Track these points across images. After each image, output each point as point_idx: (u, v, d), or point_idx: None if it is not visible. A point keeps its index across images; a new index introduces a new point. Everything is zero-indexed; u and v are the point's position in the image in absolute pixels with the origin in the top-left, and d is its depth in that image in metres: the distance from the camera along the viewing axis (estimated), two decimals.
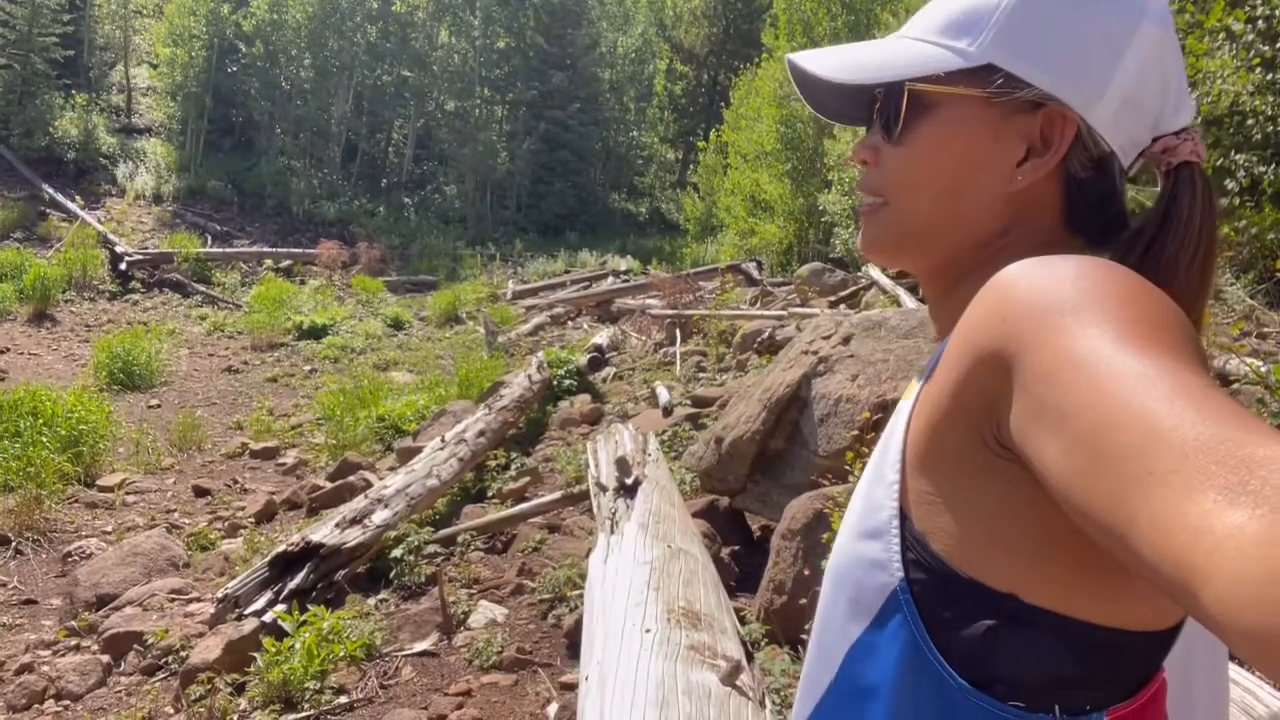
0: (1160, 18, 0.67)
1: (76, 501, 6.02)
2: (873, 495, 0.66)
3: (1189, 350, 0.51)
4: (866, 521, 0.66)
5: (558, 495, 4.97)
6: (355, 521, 4.45)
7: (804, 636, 3.00)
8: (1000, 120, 0.68)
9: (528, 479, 5.55)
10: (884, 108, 0.72)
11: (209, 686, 3.39)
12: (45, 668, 3.86)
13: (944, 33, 0.69)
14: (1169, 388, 0.46)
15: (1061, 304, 0.53)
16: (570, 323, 13.56)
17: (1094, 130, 0.66)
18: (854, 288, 10.82)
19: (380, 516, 4.55)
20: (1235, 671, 2.16)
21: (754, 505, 4.26)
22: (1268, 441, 0.41)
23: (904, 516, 0.63)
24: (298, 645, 3.41)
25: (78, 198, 19.19)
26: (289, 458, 7.31)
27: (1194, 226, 0.65)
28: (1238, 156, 7.32)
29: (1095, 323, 0.51)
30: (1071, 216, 0.69)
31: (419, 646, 3.64)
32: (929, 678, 0.60)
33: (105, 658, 3.91)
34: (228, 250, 18.42)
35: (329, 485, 5.94)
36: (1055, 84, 0.66)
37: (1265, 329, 5.91)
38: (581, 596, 3.55)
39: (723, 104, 25.18)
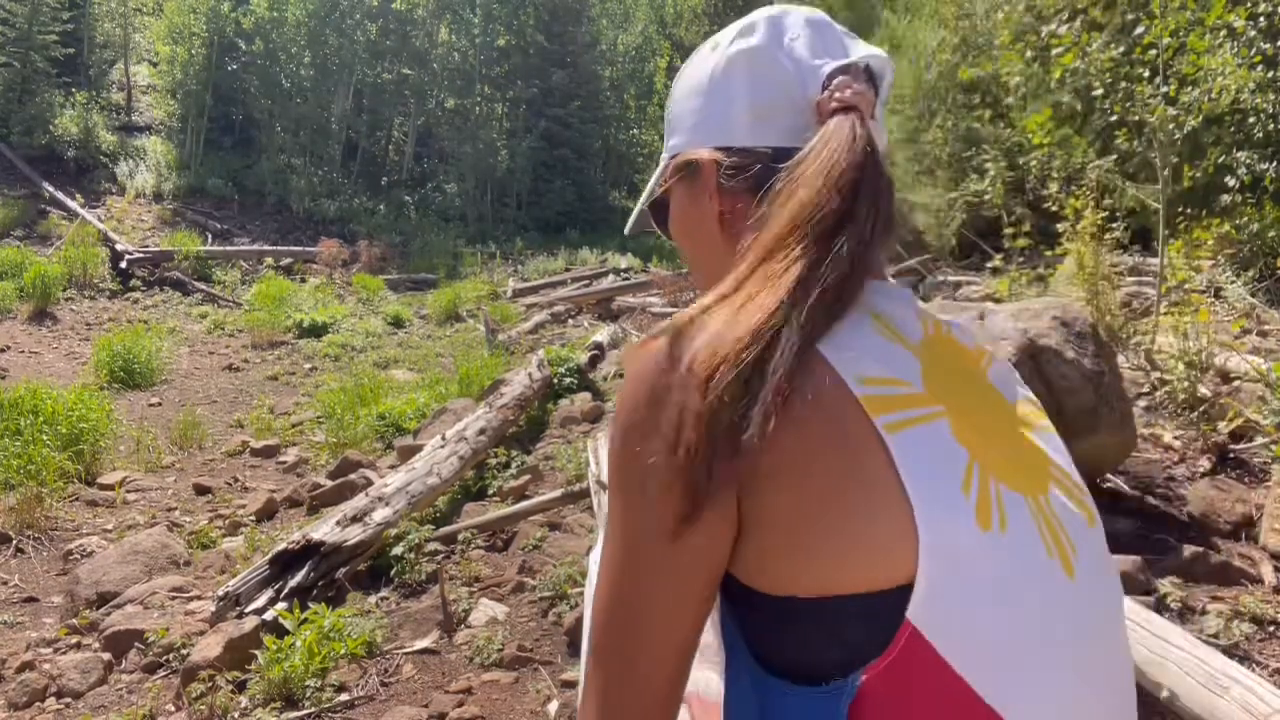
0: (728, 47, 0.85)
1: (77, 499, 6.02)
2: None
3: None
4: None
5: (558, 493, 4.97)
6: (356, 519, 4.45)
7: None
8: (691, 188, 0.87)
9: (528, 477, 5.55)
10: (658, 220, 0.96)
11: (210, 684, 3.39)
12: (46, 665, 3.87)
13: (666, 144, 0.91)
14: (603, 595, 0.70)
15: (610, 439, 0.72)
16: (571, 321, 13.55)
17: (745, 148, 0.82)
18: None
19: (381, 514, 4.55)
20: (1236, 669, 2.16)
21: None
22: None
23: None
24: (298, 643, 3.41)
25: (78, 196, 19.17)
26: (289, 456, 7.31)
27: (840, 153, 0.74)
28: (1238, 154, 7.32)
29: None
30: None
31: (420, 644, 3.65)
32: (749, 672, 0.71)
33: (106, 655, 3.91)
34: (228, 248, 18.41)
35: (329, 483, 5.94)
36: (694, 144, 0.86)
37: (1265, 326, 5.91)
38: (582, 594, 3.55)
39: None
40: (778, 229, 0.72)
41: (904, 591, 0.63)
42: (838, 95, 0.78)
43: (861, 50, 0.83)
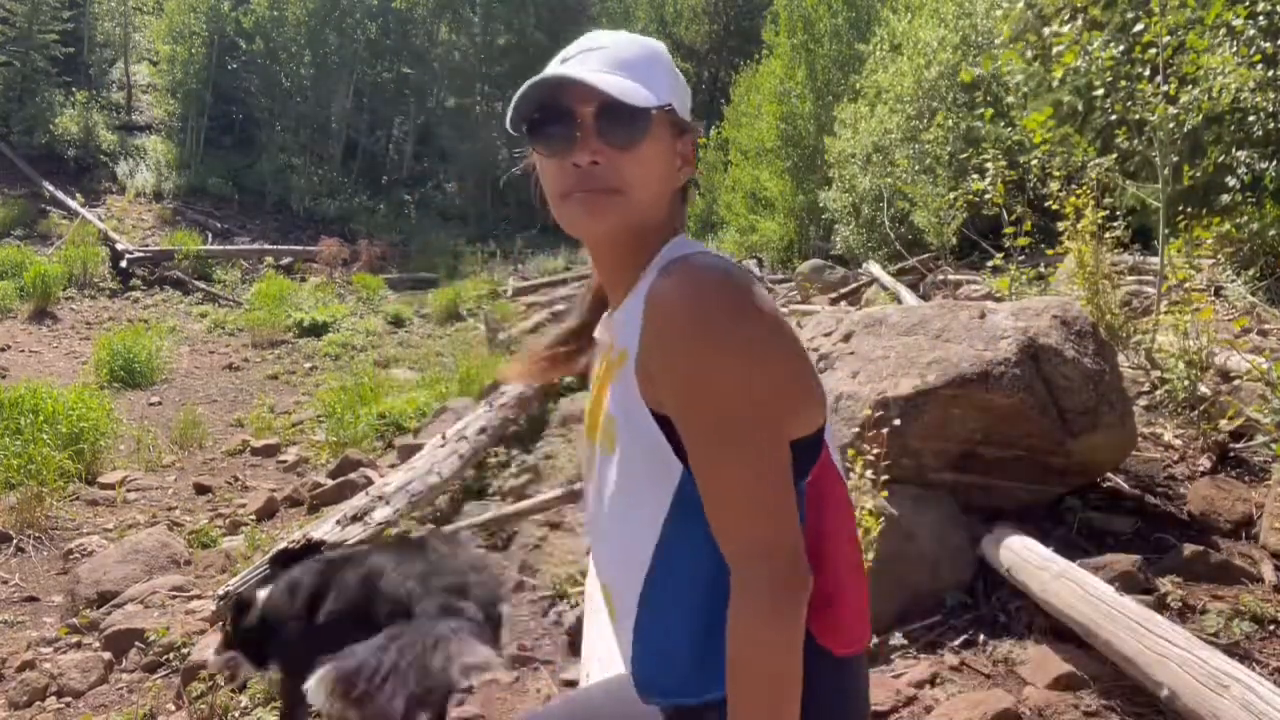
0: (671, 63, 1.14)
1: (78, 499, 6.02)
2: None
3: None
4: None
5: (559, 492, 4.97)
6: (356, 519, 4.45)
7: None
8: (673, 139, 1.09)
9: (529, 476, 5.55)
10: (609, 123, 1.02)
11: (210, 684, 3.39)
12: (47, 665, 3.87)
13: (643, 77, 1.04)
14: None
15: (688, 345, 0.98)
16: None
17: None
18: (855, 284, 10.82)
19: (381, 514, 4.55)
20: (1236, 668, 2.16)
21: None
22: None
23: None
24: None
25: (78, 195, 19.17)
26: (290, 455, 7.32)
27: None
28: (1239, 153, 7.32)
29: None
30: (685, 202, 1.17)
31: None
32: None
33: (107, 655, 3.91)
34: (228, 248, 18.40)
35: (330, 482, 5.93)
36: (684, 112, 1.09)
37: (1266, 325, 5.90)
38: (583, 593, 3.55)
39: (723, 100, 25.13)
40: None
41: (822, 430, 1.08)
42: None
43: None
